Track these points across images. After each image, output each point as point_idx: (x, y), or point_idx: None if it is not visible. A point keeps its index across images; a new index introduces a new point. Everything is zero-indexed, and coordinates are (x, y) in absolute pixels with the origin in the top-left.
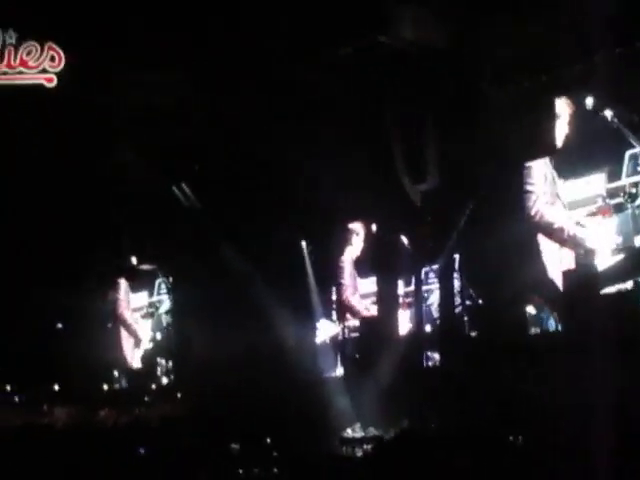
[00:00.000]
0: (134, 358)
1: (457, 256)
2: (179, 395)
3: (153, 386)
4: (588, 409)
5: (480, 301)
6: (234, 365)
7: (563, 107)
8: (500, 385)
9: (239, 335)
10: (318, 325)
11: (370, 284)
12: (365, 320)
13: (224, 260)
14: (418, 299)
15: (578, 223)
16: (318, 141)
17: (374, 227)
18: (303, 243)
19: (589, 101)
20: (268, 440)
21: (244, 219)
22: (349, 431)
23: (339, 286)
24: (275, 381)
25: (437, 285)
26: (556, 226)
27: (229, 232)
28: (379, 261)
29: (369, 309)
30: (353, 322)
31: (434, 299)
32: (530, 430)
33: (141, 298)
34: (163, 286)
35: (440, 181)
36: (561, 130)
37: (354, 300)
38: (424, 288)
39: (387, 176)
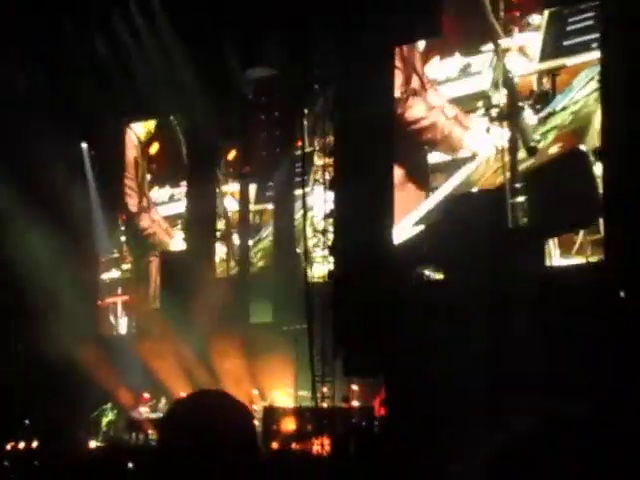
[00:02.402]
0: None
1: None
2: None
3: None
4: None
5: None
6: None
7: None
8: None
9: None
10: (103, 262)
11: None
12: (168, 254)
13: None
14: (245, 226)
15: (459, 122)
16: None
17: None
18: (84, 146)
19: None
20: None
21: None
22: (141, 410)
23: (131, 206)
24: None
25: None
26: (426, 123)
27: None
28: (190, 171)
29: (171, 234)
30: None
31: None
32: None
33: None
34: None
35: (284, 66)
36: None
37: (148, 221)
38: (253, 208)
39: (206, 57)
